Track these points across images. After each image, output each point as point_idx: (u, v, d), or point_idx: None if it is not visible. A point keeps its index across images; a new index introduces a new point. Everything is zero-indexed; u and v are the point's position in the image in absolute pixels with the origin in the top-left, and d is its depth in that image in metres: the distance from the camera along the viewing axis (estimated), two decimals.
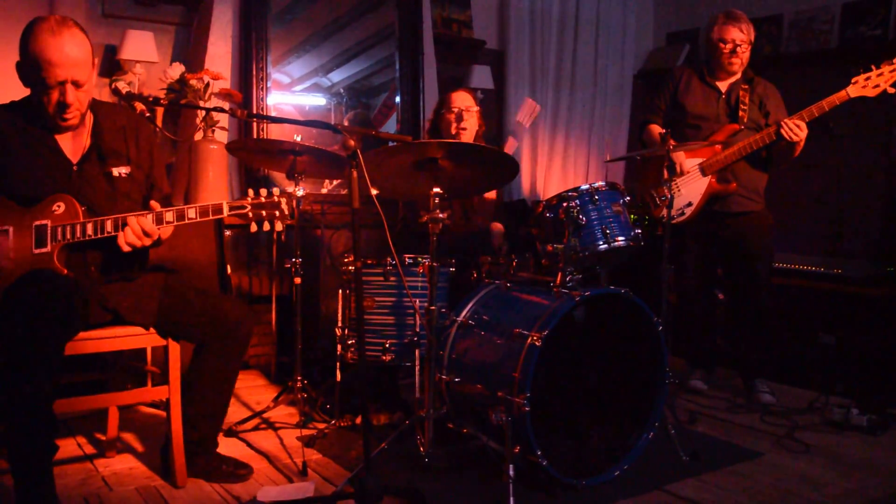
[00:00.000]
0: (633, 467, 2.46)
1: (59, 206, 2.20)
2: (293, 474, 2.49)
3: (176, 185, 3.56)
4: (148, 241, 2.21)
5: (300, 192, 2.76)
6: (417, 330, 2.76)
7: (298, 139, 2.80)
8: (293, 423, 2.98)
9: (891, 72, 3.09)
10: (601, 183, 2.71)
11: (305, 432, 2.82)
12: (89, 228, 2.18)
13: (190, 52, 3.84)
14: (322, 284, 3.70)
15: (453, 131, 3.41)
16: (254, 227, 2.34)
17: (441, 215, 2.48)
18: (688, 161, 3.41)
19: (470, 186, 2.86)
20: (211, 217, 2.25)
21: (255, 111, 3.77)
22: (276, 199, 2.30)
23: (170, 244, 2.38)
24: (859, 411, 3.04)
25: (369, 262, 2.86)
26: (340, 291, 3.02)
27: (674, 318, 3.08)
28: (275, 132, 3.82)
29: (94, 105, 2.34)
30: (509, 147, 3.68)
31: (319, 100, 4.24)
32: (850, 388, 3.43)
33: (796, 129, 3.17)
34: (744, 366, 3.56)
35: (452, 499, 2.30)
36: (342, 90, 4.30)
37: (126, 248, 2.19)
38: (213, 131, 3.47)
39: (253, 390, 3.51)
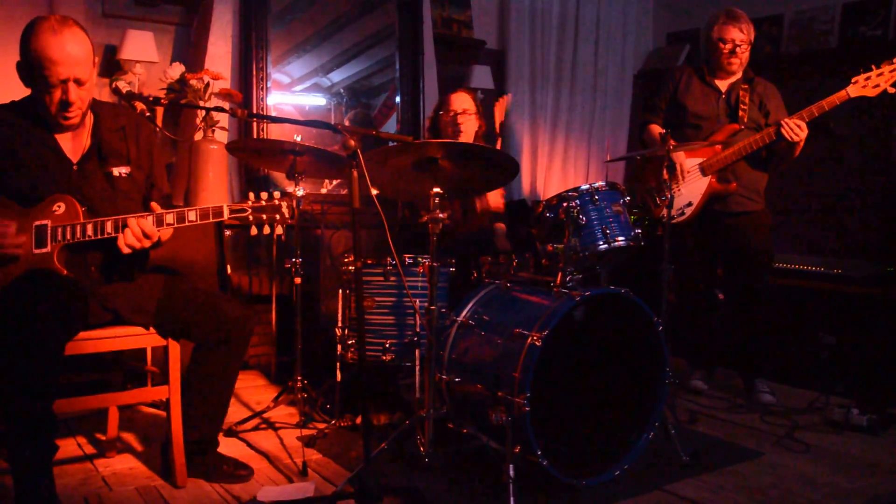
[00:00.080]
0: (633, 467, 2.46)
1: (59, 207, 2.20)
2: (293, 474, 2.49)
3: (176, 185, 3.56)
4: (147, 243, 2.21)
5: (300, 193, 2.76)
6: (417, 330, 2.75)
7: (298, 139, 2.80)
8: (293, 423, 2.98)
9: (891, 71, 3.09)
10: (601, 183, 2.71)
11: (305, 432, 2.82)
12: (89, 229, 2.18)
13: (190, 52, 3.84)
14: (322, 284, 3.70)
15: (450, 133, 3.41)
16: (254, 231, 2.33)
17: (441, 215, 2.48)
18: (688, 161, 3.41)
19: (470, 186, 2.86)
20: (211, 220, 2.25)
21: (255, 111, 3.76)
22: (276, 202, 2.30)
23: (170, 244, 2.38)
24: (859, 411, 3.04)
25: (369, 262, 2.86)
26: (340, 291, 3.02)
27: (674, 318, 3.08)
28: (275, 132, 3.82)
29: (95, 105, 2.34)
30: (501, 104, 3.65)
31: (319, 100, 4.24)
32: (850, 388, 3.43)
33: (796, 129, 3.17)
34: (744, 366, 3.56)
35: (452, 499, 2.30)
36: (342, 90, 4.30)
37: (126, 250, 2.19)
38: (213, 131, 3.47)
39: (253, 390, 3.51)
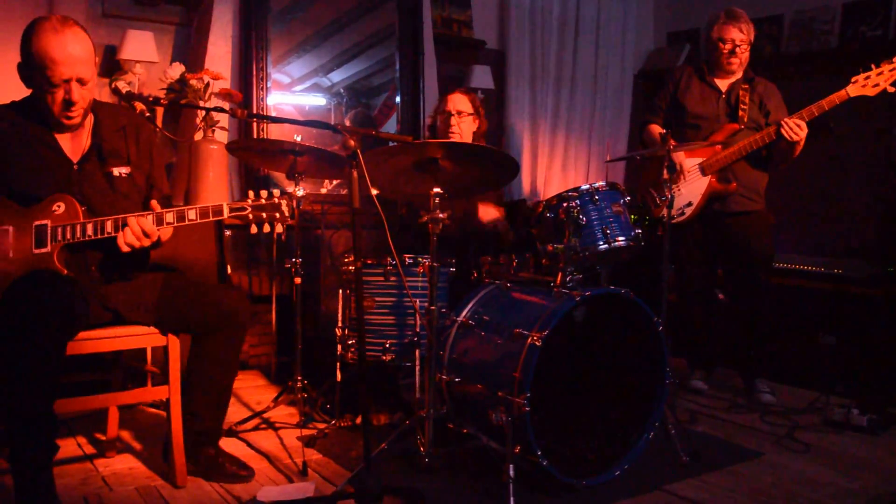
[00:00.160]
0: (633, 467, 2.46)
1: (59, 206, 2.20)
2: (293, 474, 2.49)
3: (176, 186, 3.56)
4: (147, 242, 2.21)
5: (300, 193, 2.76)
6: (417, 330, 2.75)
7: (298, 139, 2.80)
8: (293, 423, 2.98)
9: (890, 71, 3.09)
10: (601, 183, 2.71)
11: (305, 432, 2.82)
12: (89, 229, 2.19)
13: (190, 52, 3.84)
14: (322, 284, 3.70)
15: (447, 133, 3.42)
16: (254, 229, 2.34)
17: (441, 215, 2.48)
18: (688, 161, 3.41)
19: (470, 186, 2.86)
20: (211, 219, 2.25)
21: (255, 111, 3.76)
22: (276, 200, 2.30)
23: (170, 244, 2.39)
24: (859, 411, 3.04)
25: (369, 262, 2.86)
26: (340, 291, 3.02)
27: (674, 318, 3.08)
28: (275, 132, 3.82)
29: (95, 105, 2.34)
30: None
31: (319, 100, 4.24)
32: (850, 388, 3.43)
33: (796, 129, 3.17)
34: (744, 366, 3.56)
35: (452, 499, 2.30)
36: (342, 90, 4.30)
37: (125, 249, 2.19)
38: (213, 131, 3.47)
39: (253, 390, 3.51)
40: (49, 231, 2.17)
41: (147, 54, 3.59)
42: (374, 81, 4.42)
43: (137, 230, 2.18)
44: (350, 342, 2.93)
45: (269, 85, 3.85)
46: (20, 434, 1.98)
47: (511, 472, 2.20)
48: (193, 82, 3.42)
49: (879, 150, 4.24)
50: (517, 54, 4.92)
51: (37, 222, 2.18)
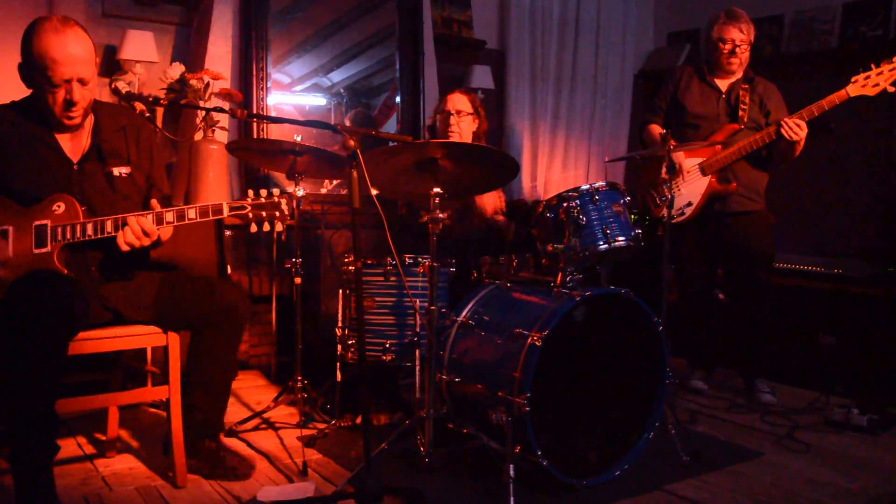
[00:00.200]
0: (633, 467, 2.46)
1: (58, 206, 2.20)
2: (293, 474, 2.49)
3: (176, 186, 3.56)
4: (147, 242, 2.21)
5: (300, 192, 2.76)
6: (418, 330, 2.75)
7: (298, 139, 2.80)
8: (293, 423, 2.98)
9: (890, 70, 3.08)
10: (601, 183, 2.71)
11: (305, 432, 2.82)
12: (89, 228, 2.19)
13: (190, 52, 3.84)
14: (322, 284, 3.70)
15: (446, 133, 3.42)
16: (254, 228, 2.34)
17: (441, 215, 2.48)
18: (688, 161, 3.41)
19: (470, 186, 2.86)
20: (211, 217, 2.25)
21: (255, 111, 3.76)
22: (275, 199, 2.31)
23: (170, 245, 2.39)
24: (859, 411, 3.04)
25: (369, 262, 2.86)
26: (340, 291, 3.02)
27: (674, 318, 3.08)
28: (275, 132, 3.81)
29: (95, 105, 2.34)
30: None
31: (319, 100, 4.24)
32: (850, 388, 3.43)
33: (796, 129, 3.17)
34: (744, 366, 3.56)
35: (452, 499, 2.30)
36: (342, 90, 4.30)
37: (125, 248, 2.19)
38: (213, 131, 3.47)
39: (253, 390, 3.51)
40: (49, 231, 2.17)
41: (147, 54, 3.59)
42: (374, 81, 4.42)
43: (137, 229, 2.19)
44: (350, 342, 2.93)
45: (269, 85, 3.85)
46: (20, 434, 1.98)
47: (511, 472, 2.20)
48: (193, 82, 3.42)
49: (879, 150, 4.24)
50: (517, 54, 4.92)
51: (37, 222, 2.18)
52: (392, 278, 2.83)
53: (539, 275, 2.78)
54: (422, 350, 2.73)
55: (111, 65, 3.66)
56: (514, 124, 4.95)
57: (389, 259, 2.79)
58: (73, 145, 2.31)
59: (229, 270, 3.51)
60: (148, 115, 3.34)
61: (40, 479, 2.00)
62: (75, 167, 2.28)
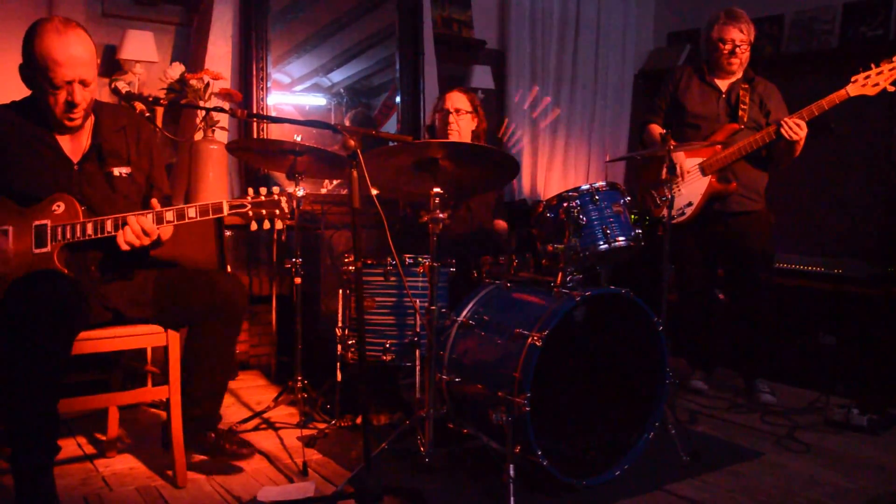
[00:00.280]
0: (633, 467, 2.46)
1: (58, 206, 2.20)
2: (293, 474, 2.49)
3: (176, 186, 3.56)
4: (147, 241, 2.22)
5: (300, 192, 2.76)
6: (418, 330, 2.75)
7: (298, 139, 2.80)
8: (293, 423, 2.98)
9: (890, 70, 3.08)
10: (601, 183, 2.71)
11: (306, 432, 2.82)
12: (89, 228, 2.19)
13: (190, 52, 3.84)
14: (322, 284, 3.70)
15: (445, 132, 3.42)
16: (254, 226, 2.34)
17: (441, 215, 2.48)
18: (688, 161, 3.41)
19: (470, 186, 2.86)
20: (211, 216, 2.26)
21: (255, 111, 3.76)
22: (275, 197, 2.31)
23: (170, 245, 2.39)
24: (859, 411, 3.04)
25: (369, 262, 2.86)
26: (340, 291, 3.02)
27: (674, 318, 3.08)
28: (275, 132, 3.82)
29: (95, 105, 2.34)
30: None
31: (319, 100, 4.24)
32: (850, 388, 3.43)
33: (796, 129, 3.17)
34: (744, 366, 3.56)
35: (452, 499, 2.30)
36: (342, 90, 4.30)
37: (125, 247, 2.20)
38: (213, 131, 3.47)
39: (253, 390, 3.51)
40: (49, 231, 2.17)
41: (147, 54, 3.59)
42: (374, 81, 4.42)
43: (137, 229, 2.19)
44: (350, 342, 2.93)
45: (269, 85, 3.85)
46: (21, 434, 1.99)
47: (511, 472, 2.20)
48: (193, 82, 3.42)
49: (879, 150, 4.24)
50: (517, 54, 4.92)
51: (37, 222, 2.18)
52: (392, 278, 2.83)
53: (539, 275, 2.78)
54: (422, 350, 2.73)
55: (111, 65, 3.66)
56: (515, 124, 4.94)
57: (389, 259, 2.79)
58: (74, 145, 2.31)
59: (229, 270, 3.51)
60: (148, 115, 3.35)
61: (40, 480, 2.00)
62: (75, 167, 2.28)
